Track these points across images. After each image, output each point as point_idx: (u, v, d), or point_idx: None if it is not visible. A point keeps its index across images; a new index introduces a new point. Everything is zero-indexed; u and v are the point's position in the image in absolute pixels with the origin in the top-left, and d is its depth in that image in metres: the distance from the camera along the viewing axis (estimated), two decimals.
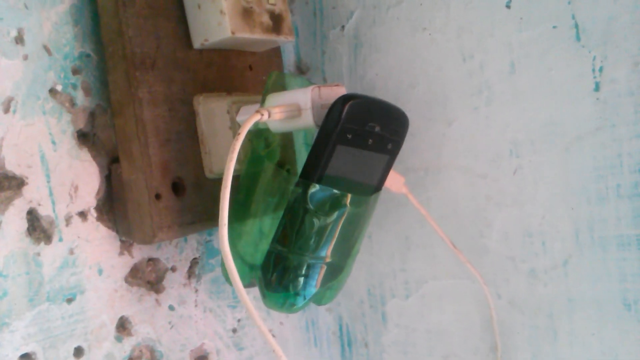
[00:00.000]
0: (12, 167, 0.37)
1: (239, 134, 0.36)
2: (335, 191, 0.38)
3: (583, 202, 0.47)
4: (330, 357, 0.63)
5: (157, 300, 0.46)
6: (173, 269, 0.47)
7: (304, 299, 0.42)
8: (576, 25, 0.45)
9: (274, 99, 0.40)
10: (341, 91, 0.41)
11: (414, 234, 0.56)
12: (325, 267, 0.41)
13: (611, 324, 0.46)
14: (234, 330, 0.52)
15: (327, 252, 0.41)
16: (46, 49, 0.39)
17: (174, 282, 0.47)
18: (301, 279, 0.41)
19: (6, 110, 0.37)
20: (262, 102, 0.42)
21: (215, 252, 0.51)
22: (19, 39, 0.38)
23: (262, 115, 0.37)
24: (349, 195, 0.39)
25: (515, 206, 0.50)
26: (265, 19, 0.45)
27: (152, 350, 0.45)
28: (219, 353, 0.50)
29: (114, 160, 0.43)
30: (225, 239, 0.34)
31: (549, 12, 0.46)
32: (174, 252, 0.47)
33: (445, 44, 0.52)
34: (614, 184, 0.45)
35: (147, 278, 0.45)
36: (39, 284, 0.38)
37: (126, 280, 0.43)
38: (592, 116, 0.45)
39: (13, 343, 0.36)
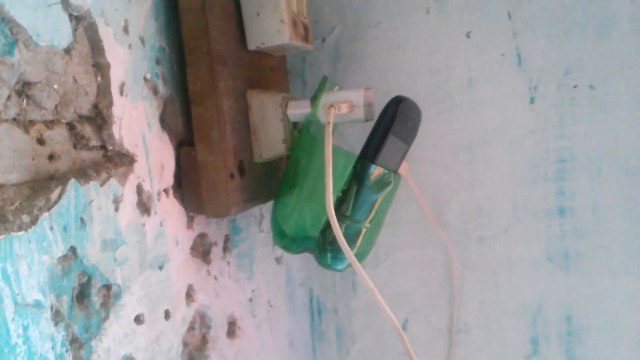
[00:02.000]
0: (127, 145, 0.41)
1: (328, 123, 0.45)
2: (386, 171, 0.49)
3: (520, 184, 0.63)
4: (302, 325, 0.72)
5: (207, 271, 0.51)
6: (215, 244, 0.53)
7: (341, 261, 0.52)
8: (519, 55, 0.62)
9: (329, 97, 0.50)
10: (372, 93, 0.51)
11: None
12: (362, 234, 0.51)
13: (539, 275, 0.63)
14: (250, 300, 0.59)
15: (366, 221, 0.51)
16: (141, 40, 0.43)
17: (216, 255, 0.53)
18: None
19: (121, 93, 0.40)
20: (313, 99, 0.50)
21: (237, 229, 0.57)
22: (126, 29, 0.42)
23: (336, 109, 0.47)
24: (392, 174, 0.50)
25: (469, 189, 0.65)
26: (301, 29, 0.54)
27: (202, 316, 0.50)
28: (242, 319, 0.57)
29: (180, 144, 0.48)
30: (331, 203, 0.42)
31: (499, 43, 0.62)
32: (215, 229, 0.53)
33: (417, 61, 0.65)
34: (543, 171, 0.62)
35: (200, 251, 0.50)
36: (145, 252, 0.42)
37: (190, 252, 0.48)
38: (528, 122, 0.62)
39: (131, 304, 0.40)
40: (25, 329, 0.31)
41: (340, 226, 0.49)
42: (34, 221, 0.32)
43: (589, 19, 0.58)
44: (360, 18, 0.67)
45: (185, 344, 0.48)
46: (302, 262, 0.72)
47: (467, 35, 0.63)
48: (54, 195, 0.34)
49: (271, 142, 0.52)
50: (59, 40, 0.35)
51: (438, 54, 0.64)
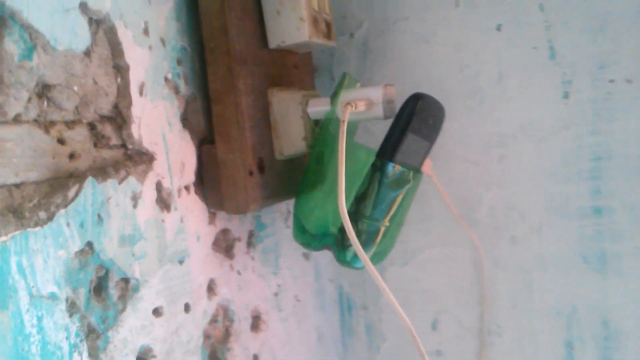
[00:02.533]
0: (147, 144, 0.42)
1: (343, 121, 0.44)
2: (404, 169, 0.48)
3: (553, 182, 0.61)
4: (332, 320, 0.73)
5: (230, 265, 0.52)
6: (239, 239, 0.54)
7: (358, 259, 0.51)
8: (551, 48, 0.60)
9: (348, 94, 0.49)
10: (394, 90, 0.51)
11: (412, 211, 0.67)
12: (382, 233, 0.51)
13: (573, 276, 0.61)
14: (276, 294, 0.59)
15: (385, 220, 0.50)
16: (162, 41, 0.45)
17: (239, 251, 0.54)
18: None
19: (141, 93, 0.42)
20: (333, 96, 0.50)
21: (262, 225, 0.58)
22: (146, 31, 0.43)
23: (353, 107, 0.46)
24: (411, 173, 0.49)
25: (500, 186, 0.63)
26: (323, 26, 0.54)
27: (225, 310, 0.51)
28: (267, 313, 0.58)
29: (202, 142, 0.49)
30: (343, 203, 0.42)
31: (530, 36, 0.60)
32: (238, 224, 0.54)
33: (446, 55, 0.64)
34: (576, 169, 0.60)
35: (223, 246, 0.51)
36: (164, 247, 0.43)
37: (212, 247, 0.50)
38: (562, 117, 0.60)
39: (150, 297, 0.42)
40: (40, 319, 0.32)
41: (359, 224, 0.49)
42: (50, 217, 0.34)
43: (625, 11, 0.55)
44: (388, 12, 0.66)
45: (208, 337, 0.49)
46: (330, 259, 0.72)
47: (498, 28, 0.61)
48: (71, 193, 0.35)
49: (292, 140, 0.52)
50: (77, 43, 0.37)
51: (468, 48, 0.63)
